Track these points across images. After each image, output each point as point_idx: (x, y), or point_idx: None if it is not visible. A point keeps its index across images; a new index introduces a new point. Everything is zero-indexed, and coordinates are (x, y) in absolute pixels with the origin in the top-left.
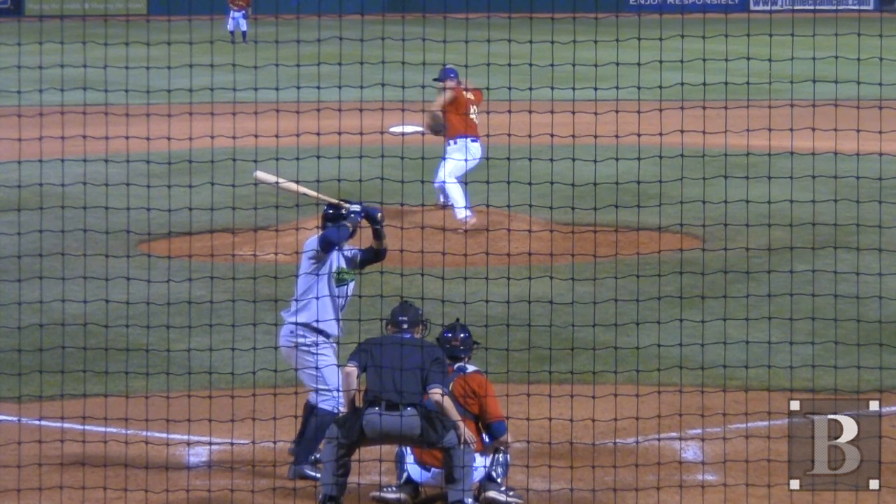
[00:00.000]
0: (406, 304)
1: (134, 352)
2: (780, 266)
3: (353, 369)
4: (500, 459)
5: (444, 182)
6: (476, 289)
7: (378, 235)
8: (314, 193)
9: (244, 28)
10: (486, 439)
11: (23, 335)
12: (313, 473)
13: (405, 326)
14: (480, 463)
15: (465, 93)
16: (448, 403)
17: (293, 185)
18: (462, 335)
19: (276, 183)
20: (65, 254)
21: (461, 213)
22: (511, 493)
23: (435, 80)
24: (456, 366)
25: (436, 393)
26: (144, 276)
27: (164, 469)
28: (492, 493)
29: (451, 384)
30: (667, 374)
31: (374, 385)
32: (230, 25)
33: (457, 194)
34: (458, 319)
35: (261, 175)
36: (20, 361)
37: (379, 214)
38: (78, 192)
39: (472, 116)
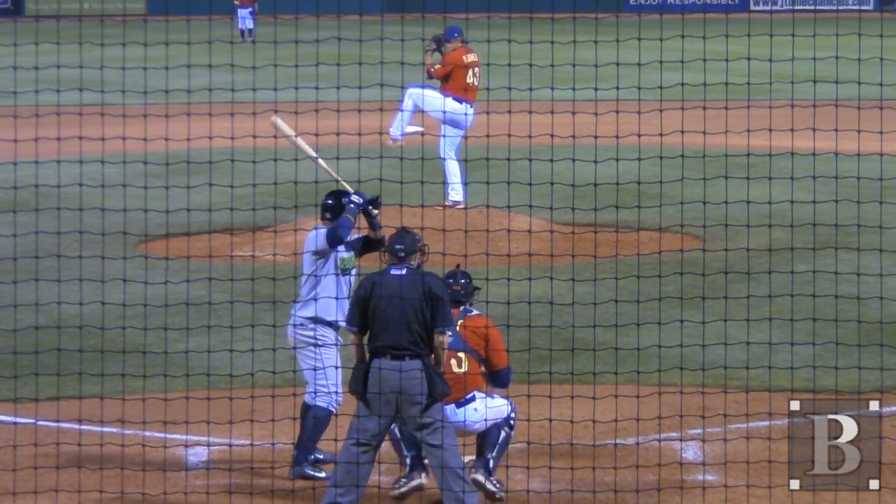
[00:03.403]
0: (403, 230)
1: (131, 353)
2: (781, 266)
3: (354, 337)
4: (502, 441)
5: (444, 158)
6: None
7: (373, 226)
8: (325, 166)
9: (251, 26)
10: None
11: (19, 337)
12: (314, 473)
13: (402, 255)
14: (482, 415)
15: (467, 55)
16: (442, 356)
17: (308, 149)
18: (462, 280)
19: (293, 136)
20: (61, 255)
21: (456, 194)
22: (497, 484)
23: (437, 38)
24: (461, 308)
25: (441, 336)
26: (142, 276)
27: (161, 471)
28: (478, 476)
29: (459, 323)
30: (667, 375)
31: (377, 335)
32: (241, 24)
33: (455, 171)
34: (458, 265)
35: (280, 123)
36: (16, 363)
37: (376, 211)
38: (74, 193)
39: (471, 81)
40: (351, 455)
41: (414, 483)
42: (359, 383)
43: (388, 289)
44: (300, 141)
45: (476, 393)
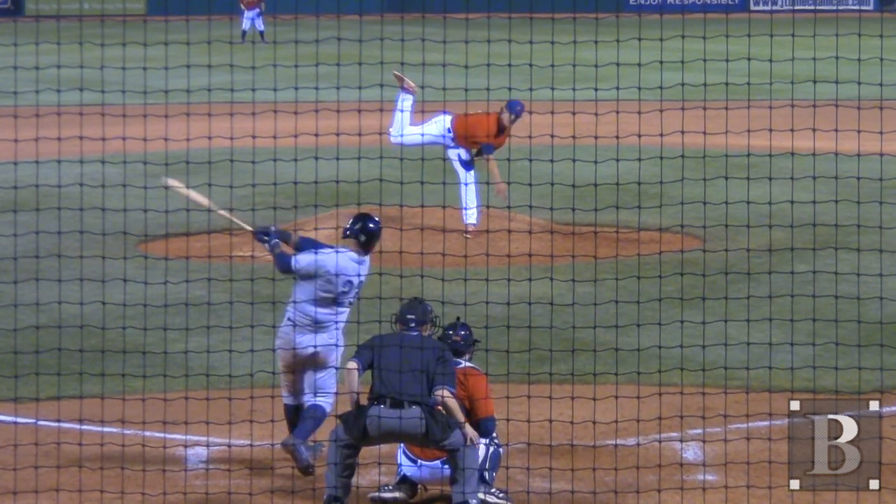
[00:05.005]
0: (415, 301)
1: (131, 353)
2: (781, 267)
3: (354, 367)
4: (492, 456)
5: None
6: (476, 289)
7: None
8: (225, 212)
9: (261, 28)
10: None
11: (19, 336)
12: (305, 454)
13: (413, 325)
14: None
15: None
16: (454, 404)
17: (203, 200)
18: (462, 332)
19: (187, 194)
20: (62, 255)
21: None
22: (500, 494)
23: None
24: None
25: (442, 395)
26: (142, 276)
27: (161, 471)
28: (481, 495)
29: None
30: (668, 375)
31: (379, 383)
32: (245, 25)
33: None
34: (458, 318)
35: (171, 182)
36: (16, 363)
37: (272, 228)
38: (75, 193)
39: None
40: (336, 455)
41: (396, 495)
42: (355, 429)
43: (397, 346)
44: (192, 194)
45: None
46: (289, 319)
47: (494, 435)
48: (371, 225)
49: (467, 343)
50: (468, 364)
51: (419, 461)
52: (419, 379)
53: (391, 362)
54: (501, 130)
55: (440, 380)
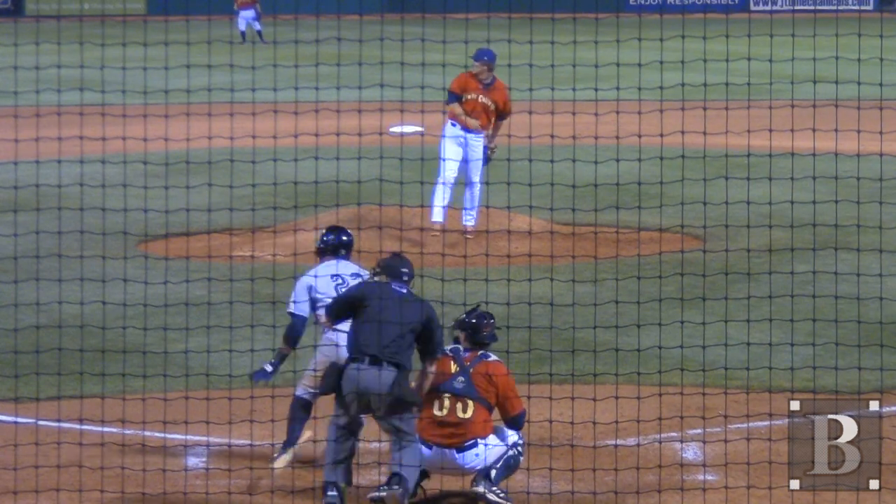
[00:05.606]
0: (402, 256)
1: (131, 353)
2: (781, 267)
3: (327, 322)
4: (507, 459)
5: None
6: (476, 289)
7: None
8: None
9: (258, 28)
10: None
11: (20, 336)
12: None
13: (406, 279)
14: (494, 444)
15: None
16: (431, 378)
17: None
18: (492, 321)
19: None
20: (62, 255)
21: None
22: (500, 494)
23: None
24: (479, 352)
25: (432, 364)
26: (142, 276)
27: (161, 471)
28: (479, 488)
29: (473, 369)
30: (668, 375)
31: (361, 339)
32: (241, 25)
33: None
34: (478, 305)
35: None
36: (17, 362)
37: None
38: (75, 193)
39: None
40: (334, 436)
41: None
42: (333, 385)
43: (387, 300)
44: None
45: (478, 440)
46: (330, 340)
47: (520, 441)
48: (345, 237)
49: (492, 334)
50: (494, 358)
51: (433, 447)
52: (405, 340)
53: (378, 317)
54: (484, 83)
55: (436, 349)
